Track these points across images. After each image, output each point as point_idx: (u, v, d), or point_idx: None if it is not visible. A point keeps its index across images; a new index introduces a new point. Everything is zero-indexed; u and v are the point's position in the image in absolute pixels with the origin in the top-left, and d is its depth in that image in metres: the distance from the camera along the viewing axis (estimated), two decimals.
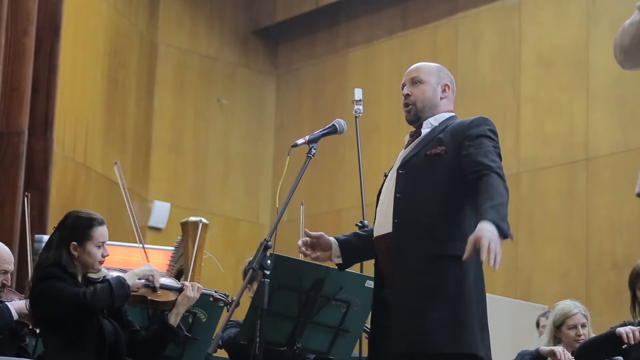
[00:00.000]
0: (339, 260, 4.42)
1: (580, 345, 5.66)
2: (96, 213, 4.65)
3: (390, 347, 4.08)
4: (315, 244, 4.41)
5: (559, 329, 6.03)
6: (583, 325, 5.99)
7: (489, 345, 4.09)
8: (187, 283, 4.80)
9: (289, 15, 13.27)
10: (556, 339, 6.06)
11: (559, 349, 5.78)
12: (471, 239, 3.76)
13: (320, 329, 5.01)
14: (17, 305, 4.95)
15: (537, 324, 8.18)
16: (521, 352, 6.21)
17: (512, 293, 10.39)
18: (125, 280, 4.45)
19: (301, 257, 4.55)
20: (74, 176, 10.58)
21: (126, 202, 5.46)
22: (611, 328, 5.60)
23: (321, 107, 12.86)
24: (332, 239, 4.42)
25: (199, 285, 4.81)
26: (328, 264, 4.60)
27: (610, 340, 5.40)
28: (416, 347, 4.00)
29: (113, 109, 11.43)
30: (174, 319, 4.65)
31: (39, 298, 4.40)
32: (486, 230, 3.74)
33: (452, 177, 4.07)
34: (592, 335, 5.92)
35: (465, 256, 3.78)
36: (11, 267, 5.17)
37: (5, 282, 5.10)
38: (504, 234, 3.79)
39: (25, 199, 7.01)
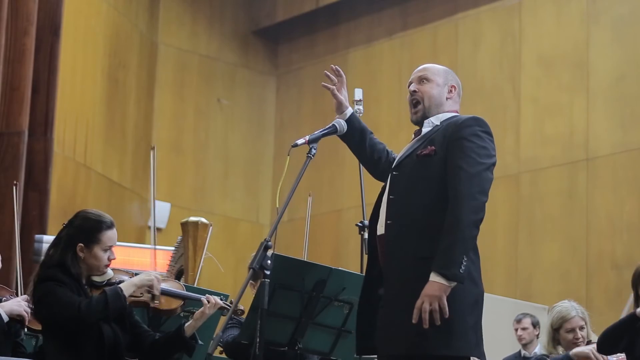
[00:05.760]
0: (345, 117, 4.43)
1: (600, 337, 5.44)
2: (106, 215, 4.54)
3: (381, 347, 4.07)
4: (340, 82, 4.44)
5: (557, 332, 5.98)
6: (581, 328, 5.91)
7: (482, 348, 4.05)
8: (204, 299, 4.66)
9: (289, 15, 13.27)
10: (555, 340, 6.03)
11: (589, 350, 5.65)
12: (417, 304, 3.86)
13: (323, 330, 5.00)
14: (7, 306, 4.91)
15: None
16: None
17: (512, 293, 10.39)
18: (122, 291, 4.33)
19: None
20: (74, 176, 10.58)
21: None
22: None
23: (321, 107, 12.86)
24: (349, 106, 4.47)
25: (217, 300, 4.67)
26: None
27: (630, 322, 5.11)
28: (402, 349, 3.98)
29: (113, 109, 11.43)
30: (190, 330, 4.55)
31: (40, 301, 4.35)
32: (428, 289, 3.86)
33: (442, 177, 4.04)
34: (592, 335, 5.87)
35: (413, 321, 3.87)
36: None
37: None
38: (454, 278, 3.87)
39: None
